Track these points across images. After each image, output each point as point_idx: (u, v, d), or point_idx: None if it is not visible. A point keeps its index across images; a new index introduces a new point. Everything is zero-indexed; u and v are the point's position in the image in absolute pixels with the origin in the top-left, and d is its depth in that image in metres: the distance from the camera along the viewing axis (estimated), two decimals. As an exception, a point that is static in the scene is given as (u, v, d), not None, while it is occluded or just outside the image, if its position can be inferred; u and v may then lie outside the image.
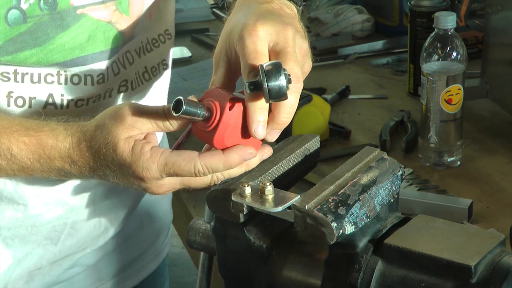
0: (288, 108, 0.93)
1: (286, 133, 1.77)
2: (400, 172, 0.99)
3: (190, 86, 2.04)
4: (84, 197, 1.24)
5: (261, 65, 0.90)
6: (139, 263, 1.42)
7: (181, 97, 0.91)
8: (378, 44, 2.26)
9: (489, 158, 1.65)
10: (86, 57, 1.15)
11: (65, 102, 1.15)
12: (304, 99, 1.69)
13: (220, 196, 0.97)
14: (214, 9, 2.64)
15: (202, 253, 1.12)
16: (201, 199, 1.56)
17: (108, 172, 0.99)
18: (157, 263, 1.46)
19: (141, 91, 1.22)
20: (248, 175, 0.99)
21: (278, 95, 0.89)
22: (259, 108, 0.92)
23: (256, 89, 0.90)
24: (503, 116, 1.80)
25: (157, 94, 1.27)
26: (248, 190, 0.94)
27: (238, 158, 0.94)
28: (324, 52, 2.24)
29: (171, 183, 0.98)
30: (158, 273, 1.48)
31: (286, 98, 0.89)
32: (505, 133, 1.74)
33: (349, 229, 0.90)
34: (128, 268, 1.40)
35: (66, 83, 1.14)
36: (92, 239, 1.29)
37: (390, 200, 0.97)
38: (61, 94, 1.14)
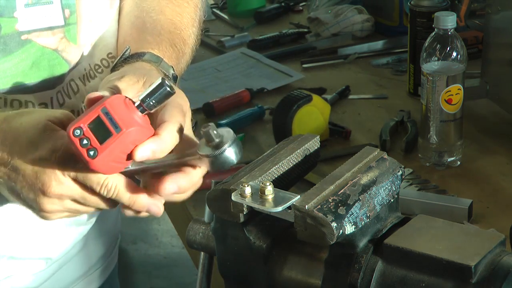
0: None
1: (286, 133, 1.77)
2: (400, 172, 0.99)
3: (190, 86, 2.04)
4: (24, 227, 1.18)
5: (233, 134, 0.94)
6: (86, 278, 1.37)
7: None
8: (378, 44, 2.26)
9: (489, 158, 1.65)
10: (28, 85, 1.10)
11: None
12: (304, 99, 1.69)
13: (220, 196, 0.97)
14: (214, 9, 2.64)
15: (202, 253, 1.12)
16: (201, 199, 1.55)
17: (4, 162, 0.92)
18: (105, 276, 1.41)
19: None
20: (248, 175, 0.99)
21: (226, 165, 0.95)
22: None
23: (217, 150, 0.94)
24: (503, 116, 1.80)
25: None
26: (248, 190, 0.94)
27: (144, 204, 0.95)
28: (324, 52, 2.24)
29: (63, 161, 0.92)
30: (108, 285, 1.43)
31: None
32: (505, 133, 1.74)
33: (349, 229, 0.90)
34: (74, 284, 1.35)
35: (5, 106, 1.09)
36: (32, 265, 1.24)
37: (390, 200, 0.97)
38: None
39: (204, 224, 1.09)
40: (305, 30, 2.39)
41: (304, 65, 2.17)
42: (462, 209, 1.43)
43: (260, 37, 2.36)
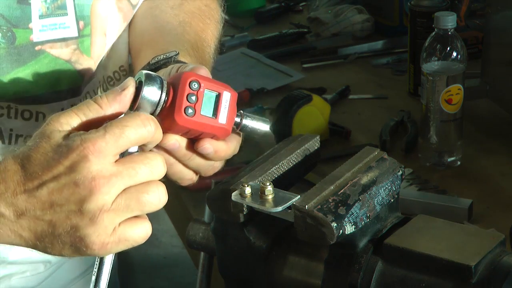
0: None
1: (286, 133, 1.77)
2: (400, 172, 0.99)
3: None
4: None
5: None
6: (85, 277, 1.35)
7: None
8: (378, 44, 2.26)
9: (489, 158, 1.65)
10: (40, 96, 1.10)
11: (13, 138, 1.09)
12: (304, 99, 1.69)
13: (220, 196, 0.97)
14: (214, 9, 2.64)
15: (202, 253, 1.12)
16: (201, 199, 1.56)
17: (37, 183, 0.78)
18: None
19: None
20: (248, 175, 0.99)
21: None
22: None
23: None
24: (503, 116, 1.80)
25: None
26: (248, 190, 0.94)
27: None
28: (324, 52, 2.24)
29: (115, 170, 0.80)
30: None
31: None
32: (505, 133, 1.74)
33: (349, 229, 0.90)
34: (72, 284, 1.34)
35: (16, 117, 1.09)
36: (31, 267, 1.23)
37: (390, 200, 0.97)
38: (10, 129, 1.09)
39: (204, 224, 1.09)
40: (305, 30, 2.39)
41: (304, 65, 2.17)
42: (462, 209, 1.43)
43: (260, 37, 2.36)
